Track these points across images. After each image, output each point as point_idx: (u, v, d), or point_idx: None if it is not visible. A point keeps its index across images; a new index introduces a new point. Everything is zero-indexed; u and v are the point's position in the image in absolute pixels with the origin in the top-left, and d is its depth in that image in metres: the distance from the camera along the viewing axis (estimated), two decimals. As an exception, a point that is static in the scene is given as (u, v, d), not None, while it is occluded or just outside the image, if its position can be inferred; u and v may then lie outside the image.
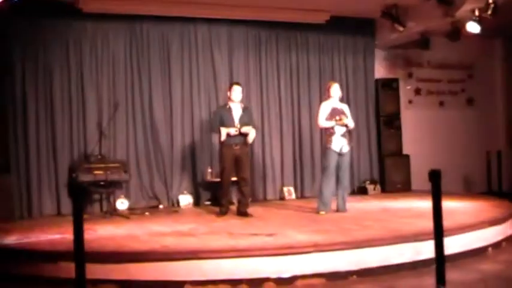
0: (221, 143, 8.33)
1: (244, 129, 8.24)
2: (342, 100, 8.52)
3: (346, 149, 8.23)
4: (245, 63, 10.68)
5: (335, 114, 8.19)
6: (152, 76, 10.01)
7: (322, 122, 8.25)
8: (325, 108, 8.28)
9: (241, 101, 8.55)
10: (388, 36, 11.22)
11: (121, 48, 9.86)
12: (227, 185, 8.42)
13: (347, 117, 8.30)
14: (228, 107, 8.42)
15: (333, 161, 8.17)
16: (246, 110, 8.55)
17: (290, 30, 10.93)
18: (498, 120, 13.19)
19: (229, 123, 8.22)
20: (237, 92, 8.39)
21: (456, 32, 10.41)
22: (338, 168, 8.22)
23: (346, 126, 8.22)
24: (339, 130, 8.17)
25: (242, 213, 8.35)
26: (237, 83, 8.70)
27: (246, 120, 8.36)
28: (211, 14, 10.10)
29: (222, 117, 8.33)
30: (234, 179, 8.55)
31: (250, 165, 10.33)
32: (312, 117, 10.70)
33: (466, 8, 9.25)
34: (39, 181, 9.17)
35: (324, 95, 8.61)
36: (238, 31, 10.64)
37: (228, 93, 8.51)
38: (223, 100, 9.69)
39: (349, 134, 8.33)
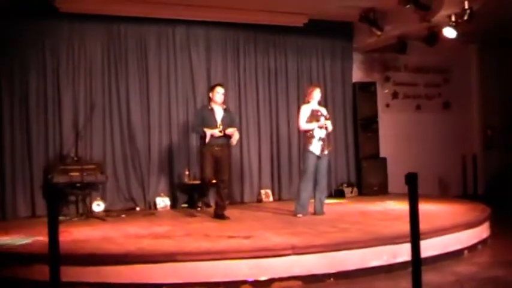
0: (202, 144, 8.26)
1: (229, 131, 8.21)
2: (320, 104, 8.53)
3: (324, 152, 8.25)
4: (223, 66, 10.66)
5: (315, 116, 8.22)
6: (129, 77, 9.94)
7: (303, 124, 8.25)
8: (305, 111, 8.29)
9: (223, 103, 8.52)
10: (366, 40, 11.28)
11: (98, 49, 9.78)
12: (206, 186, 8.39)
13: (326, 118, 8.34)
14: (210, 108, 8.38)
15: (312, 164, 8.19)
16: (228, 111, 8.53)
17: (268, 32, 10.94)
18: (473, 124, 13.34)
19: (212, 124, 8.18)
20: (219, 94, 8.35)
21: (433, 36, 10.51)
22: (316, 171, 8.24)
23: (326, 129, 8.25)
24: (319, 133, 8.19)
25: (219, 215, 8.32)
26: (220, 85, 8.64)
27: (228, 121, 8.35)
28: (190, 15, 10.06)
29: (205, 118, 8.27)
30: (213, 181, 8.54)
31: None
32: (290, 119, 10.75)
33: (443, 13, 9.32)
34: (13, 182, 9.05)
35: (305, 98, 8.60)
36: (216, 33, 10.61)
37: (211, 95, 8.44)
38: (201, 102, 9.70)
39: (327, 137, 8.35)
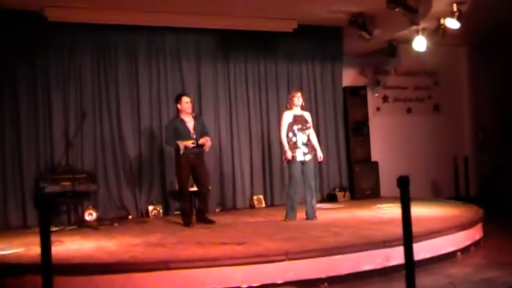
0: (177, 155, 8.36)
1: (202, 141, 8.37)
2: (303, 108, 8.51)
3: (308, 157, 8.25)
4: (213, 72, 10.66)
5: (297, 123, 8.23)
6: (120, 85, 9.93)
7: (284, 135, 8.23)
8: (286, 118, 8.29)
9: (192, 111, 8.65)
10: (356, 45, 11.30)
11: (88, 57, 9.76)
12: (187, 194, 8.47)
13: (308, 123, 8.34)
14: (180, 119, 8.46)
15: (297, 170, 8.19)
16: (197, 118, 8.68)
17: (258, 38, 10.94)
18: (464, 126, 13.38)
19: (185, 135, 8.32)
20: (188, 105, 8.47)
21: (422, 40, 10.52)
22: (303, 176, 8.24)
23: (307, 135, 8.27)
24: (300, 139, 8.20)
25: (203, 219, 8.45)
26: (185, 94, 8.79)
27: (200, 129, 8.48)
28: (179, 23, 10.06)
29: (177, 129, 8.38)
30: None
31: (220, 174, 10.38)
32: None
33: (432, 16, 9.35)
34: (4, 192, 9.01)
35: (287, 104, 8.59)
36: (206, 40, 10.61)
37: (179, 106, 8.51)
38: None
39: (310, 142, 8.33)
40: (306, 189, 8.30)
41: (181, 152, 8.19)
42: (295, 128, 8.23)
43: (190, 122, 8.44)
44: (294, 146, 8.19)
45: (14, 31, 9.14)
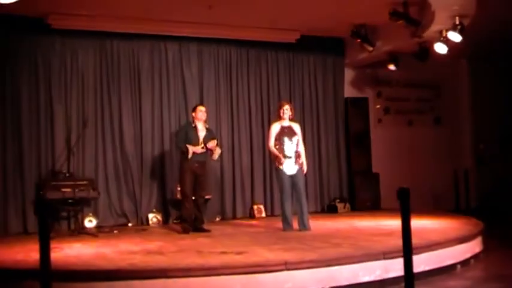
0: (182, 160, 8.50)
1: (211, 144, 8.50)
2: (292, 119, 8.48)
3: (295, 169, 8.22)
4: (215, 81, 10.69)
5: (284, 134, 8.23)
6: (122, 93, 9.95)
7: (271, 145, 8.27)
8: (274, 129, 8.31)
9: (206, 122, 8.78)
10: (358, 56, 11.34)
11: (90, 65, 9.79)
12: (190, 200, 8.48)
13: (296, 134, 8.34)
14: (193, 125, 8.62)
15: (286, 182, 8.19)
16: (209, 130, 8.81)
17: (260, 48, 10.99)
18: (465, 138, 13.38)
19: (194, 141, 8.47)
20: (202, 113, 8.65)
21: (424, 52, 10.55)
22: (293, 187, 8.24)
23: (296, 146, 8.27)
24: (288, 151, 8.21)
25: (199, 229, 8.51)
26: (202, 105, 8.99)
27: (209, 140, 8.60)
28: (182, 32, 10.11)
29: (188, 134, 8.53)
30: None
31: (220, 183, 10.39)
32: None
33: (434, 29, 9.39)
34: (5, 198, 8.99)
35: (275, 115, 8.62)
36: (208, 49, 10.65)
37: (193, 114, 8.72)
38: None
39: (297, 153, 8.30)
40: (296, 200, 8.29)
41: (190, 155, 8.31)
42: (282, 139, 8.24)
43: (202, 131, 8.61)
44: (281, 157, 8.18)
45: (17, 38, 9.19)
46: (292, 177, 8.21)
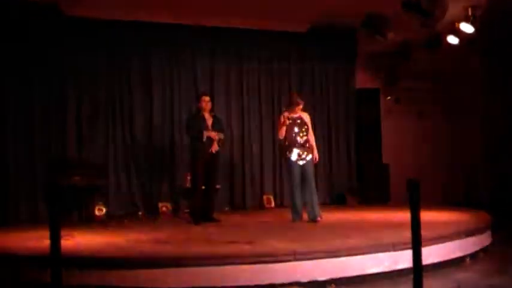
0: (194, 150, 8.48)
1: (219, 136, 8.50)
2: (303, 109, 8.41)
3: (305, 159, 8.20)
4: (226, 71, 10.70)
5: (295, 124, 8.21)
6: (133, 81, 9.98)
7: (282, 137, 8.26)
8: (284, 119, 8.29)
9: (212, 110, 8.75)
10: (369, 47, 11.29)
11: (102, 53, 9.82)
12: (200, 192, 8.49)
13: (306, 124, 8.31)
14: (201, 114, 8.60)
15: (295, 171, 8.15)
16: (216, 117, 8.80)
17: (271, 39, 10.96)
18: (475, 131, 13.31)
19: (203, 129, 8.43)
20: (205, 103, 8.61)
21: (436, 40, 10.49)
22: (302, 177, 8.20)
23: (306, 137, 8.26)
24: (298, 140, 8.19)
25: (208, 218, 8.50)
26: (205, 94, 8.89)
27: (217, 127, 8.61)
28: (193, 20, 10.10)
29: (198, 122, 8.52)
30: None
31: (230, 172, 10.42)
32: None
33: (446, 20, 9.33)
34: (16, 185, 9.08)
35: (285, 104, 8.60)
36: (219, 39, 10.64)
37: (199, 104, 8.66)
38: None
39: (307, 143, 8.29)
40: (306, 190, 8.26)
41: (204, 139, 8.32)
42: (293, 129, 8.22)
43: (209, 120, 8.58)
44: (290, 149, 8.20)
45: (29, 23, 9.23)
46: (302, 167, 8.20)
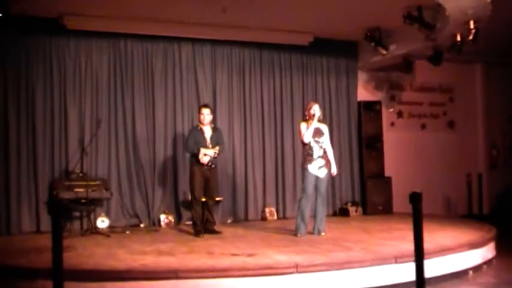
0: (192, 164, 8.57)
1: (215, 153, 8.52)
2: (321, 120, 8.38)
3: (323, 171, 8.19)
4: (228, 83, 10.69)
5: (314, 135, 8.19)
6: (135, 94, 9.98)
7: (308, 137, 8.12)
8: (305, 127, 8.25)
9: (211, 122, 8.79)
10: (371, 59, 11.31)
11: (104, 66, 9.83)
12: (199, 203, 8.53)
13: (324, 135, 8.26)
14: (199, 128, 8.65)
15: (310, 183, 8.11)
16: (216, 130, 8.84)
17: (273, 51, 10.98)
18: (478, 143, 13.33)
19: (202, 143, 8.49)
20: (204, 115, 8.63)
21: (438, 55, 10.52)
22: (316, 190, 8.18)
23: (323, 148, 8.23)
24: (317, 152, 8.16)
25: (210, 230, 8.57)
26: (205, 106, 8.88)
27: (216, 140, 8.63)
28: (195, 34, 10.13)
29: (195, 137, 8.55)
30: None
31: (232, 185, 10.41)
32: (295, 137, 10.70)
33: (448, 32, 9.35)
34: (18, 197, 9.04)
35: (304, 115, 8.54)
36: (221, 51, 10.66)
37: (198, 116, 8.72)
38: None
39: (326, 155, 8.27)
40: (318, 203, 8.24)
41: (200, 158, 8.34)
42: (311, 140, 8.19)
43: (208, 133, 8.60)
44: (309, 159, 8.17)
45: (32, 39, 9.25)
46: (317, 178, 8.16)
